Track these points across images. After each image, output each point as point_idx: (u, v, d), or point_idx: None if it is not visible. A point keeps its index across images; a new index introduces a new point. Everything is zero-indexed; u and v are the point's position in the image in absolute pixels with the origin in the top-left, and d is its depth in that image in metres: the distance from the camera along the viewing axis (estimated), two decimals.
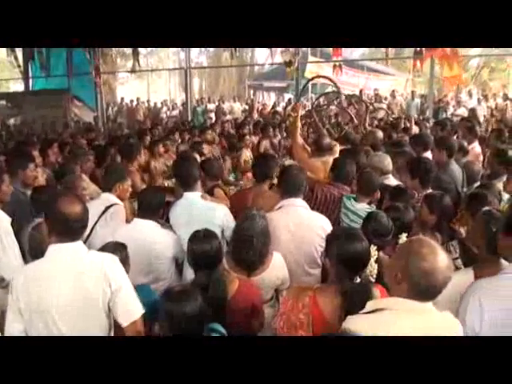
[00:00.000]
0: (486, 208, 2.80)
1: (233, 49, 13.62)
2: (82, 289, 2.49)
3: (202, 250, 2.91)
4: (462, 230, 3.44)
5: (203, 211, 3.78)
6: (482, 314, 2.26)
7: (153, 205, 3.76)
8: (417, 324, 1.93)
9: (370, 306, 2.08)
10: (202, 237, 2.97)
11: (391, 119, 11.72)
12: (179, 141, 8.80)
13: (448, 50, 11.16)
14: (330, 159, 5.36)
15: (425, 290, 1.93)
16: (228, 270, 3.10)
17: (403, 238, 3.20)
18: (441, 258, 1.92)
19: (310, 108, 16.85)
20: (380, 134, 7.05)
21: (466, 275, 2.63)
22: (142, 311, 2.59)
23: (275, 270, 3.25)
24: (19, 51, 16.15)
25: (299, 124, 5.75)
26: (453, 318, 2.09)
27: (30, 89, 17.90)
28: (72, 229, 2.52)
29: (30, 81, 17.77)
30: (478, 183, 4.82)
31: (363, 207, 4.00)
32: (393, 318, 1.97)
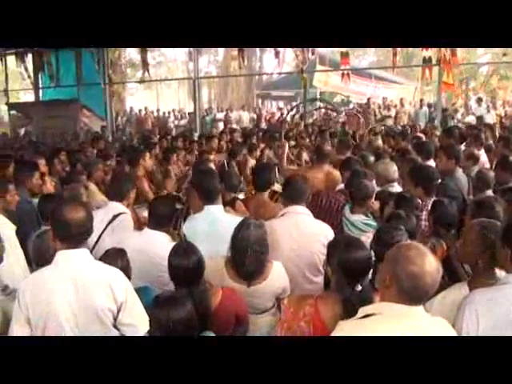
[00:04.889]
0: (480, 219, 2.73)
1: (241, 58, 13.64)
2: (86, 301, 2.51)
3: (179, 265, 2.82)
4: None
5: (230, 227, 3.31)
6: (478, 325, 2.24)
7: (164, 215, 3.69)
8: (404, 328, 1.91)
9: (361, 311, 2.06)
10: (181, 252, 2.88)
11: (399, 127, 11.75)
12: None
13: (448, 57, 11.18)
14: (332, 170, 5.40)
15: (413, 293, 1.92)
16: (210, 283, 3.00)
17: None
18: (429, 261, 1.91)
19: (316, 117, 16.97)
20: (379, 141, 7.05)
21: (461, 289, 2.58)
22: (148, 327, 2.58)
23: (275, 279, 3.20)
24: (29, 62, 16.32)
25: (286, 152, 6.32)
26: (445, 323, 2.06)
27: (40, 99, 18.03)
28: (73, 234, 2.53)
29: (40, 91, 17.90)
30: (491, 190, 4.77)
31: (359, 218, 4.01)
32: (380, 322, 1.96)
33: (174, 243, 3.51)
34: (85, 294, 2.50)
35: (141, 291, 2.87)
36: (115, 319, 2.58)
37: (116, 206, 4.19)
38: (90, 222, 2.62)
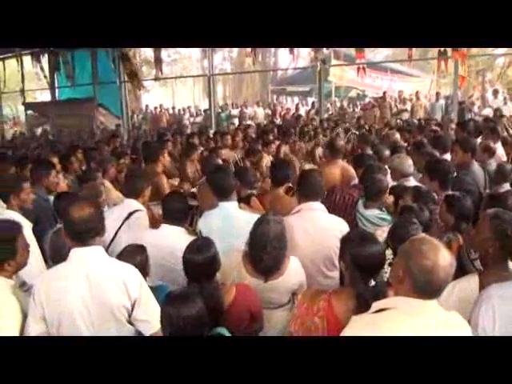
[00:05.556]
0: (492, 210, 2.69)
1: (255, 55, 13.62)
2: (100, 298, 2.53)
3: (191, 260, 2.80)
4: None
5: (246, 224, 3.30)
6: (494, 321, 2.21)
7: (177, 210, 3.71)
8: (417, 322, 1.90)
9: (375, 306, 2.05)
10: (195, 247, 2.86)
11: (415, 121, 11.65)
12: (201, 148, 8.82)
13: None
14: (347, 165, 5.38)
15: (426, 287, 1.90)
16: (223, 283, 2.99)
17: None
18: (442, 256, 1.89)
19: (332, 112, 16.89)
20: (397, 135, 7.00)
21: (471, 281, 2.56)
22: None
23: (292, 274, 3.19)
24: (45, 62, 16.45)
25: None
26: (460, 318, 2.03)
27: (57, 98, 18.19)
28: (79, 232, 2.55)
29: (56, 90, 18.06)
30: (508, 184, 4.72)
31: (373, 213, 3.98)
32: (393, 317, 1.94)
33: (191, 237, 3.48)
34: (99, 291, 2.52)
35: (157, 289, 2.88)
36: (129, 315, 2.60)
37: (131, 203, 4.20)
38: (97, 221, 2.62)
